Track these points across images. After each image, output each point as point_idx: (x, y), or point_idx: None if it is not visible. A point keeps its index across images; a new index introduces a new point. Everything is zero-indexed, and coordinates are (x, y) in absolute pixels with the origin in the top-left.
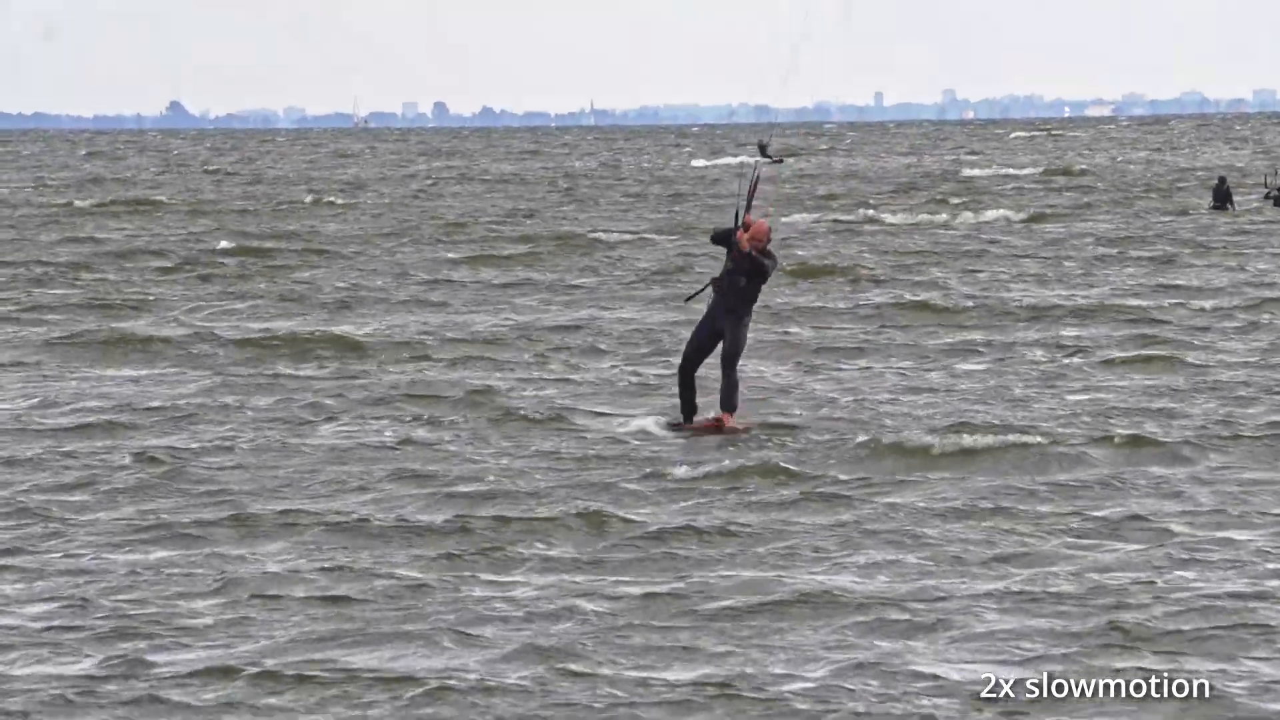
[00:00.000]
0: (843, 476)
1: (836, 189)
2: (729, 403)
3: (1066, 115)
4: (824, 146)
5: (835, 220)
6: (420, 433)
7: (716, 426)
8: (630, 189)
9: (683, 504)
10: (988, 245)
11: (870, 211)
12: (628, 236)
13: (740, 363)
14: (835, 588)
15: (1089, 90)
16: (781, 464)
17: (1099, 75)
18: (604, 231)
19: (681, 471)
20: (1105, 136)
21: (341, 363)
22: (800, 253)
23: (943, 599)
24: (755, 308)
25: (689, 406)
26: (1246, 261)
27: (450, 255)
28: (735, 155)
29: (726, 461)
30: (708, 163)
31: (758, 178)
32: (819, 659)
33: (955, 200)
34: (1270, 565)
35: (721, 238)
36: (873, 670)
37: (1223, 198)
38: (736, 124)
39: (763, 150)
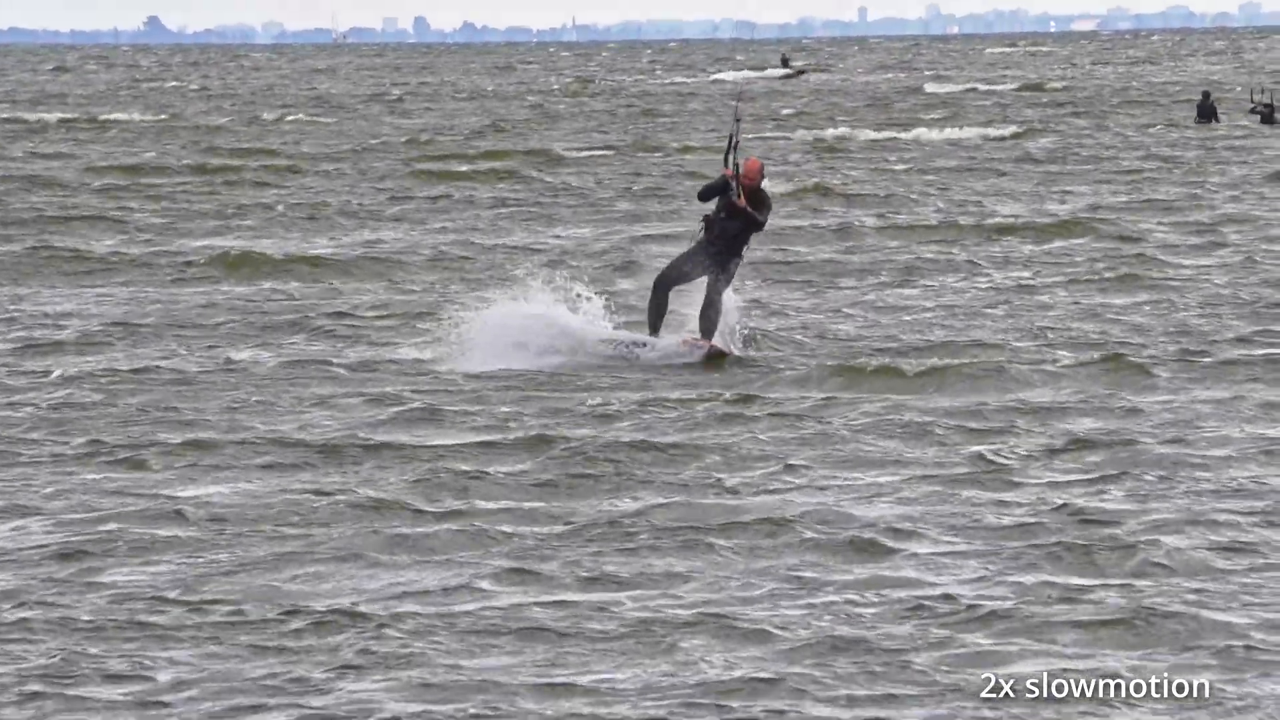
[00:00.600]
0: (803, 396)
1: (810, 105)
2: (708, 328)
3: (1052, 29)
4: (800, 62)
5: (810, 137)
6: (377, 353)
7: (701, 346)
8: (597, 106)
9: (633, 423)
10: (960, 162)
11: (838, 131)
12: (595, 153)
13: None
14: (792, 507)
15: (1075, 5)
16: (741, 386)
17: None
18: (575, 149)
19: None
20: (1083, 51)
21: (304, 280)
22: (773, 169)
23: (905, 520)
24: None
25: (656, 320)
26: (1227, 177)
27: (415, 170)
28: (736, 70)
29: (681, 380)
30: (734, 75)
31: (739, 121)
32: (771, 579)
33: (927, 116)
34: (1240, 483)
35: (712, 191)
36: (830, 588)
37: (1208, 113)
38: (719, 39)
39: (785, 62)
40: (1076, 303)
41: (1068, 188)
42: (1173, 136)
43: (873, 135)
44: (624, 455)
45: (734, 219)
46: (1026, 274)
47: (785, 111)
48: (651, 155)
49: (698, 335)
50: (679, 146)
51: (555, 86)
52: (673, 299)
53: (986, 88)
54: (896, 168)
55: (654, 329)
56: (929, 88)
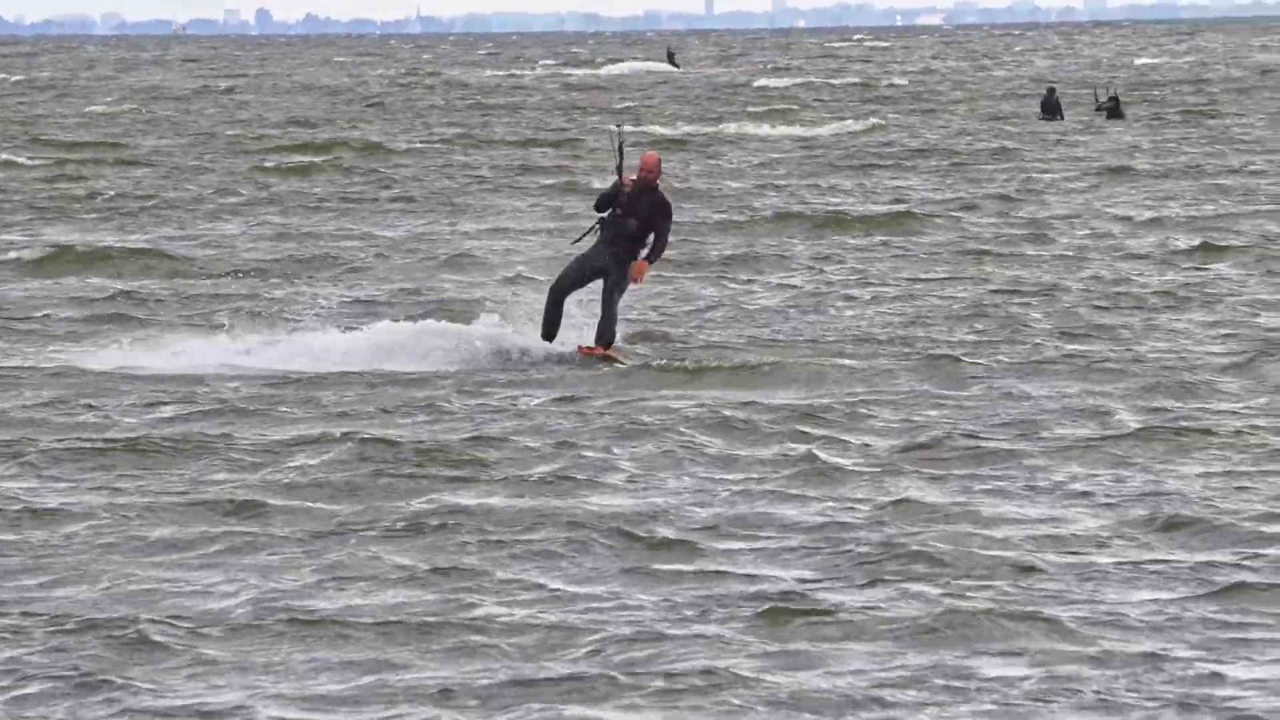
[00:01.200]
0: (632, 395)
1: (648, 99)
2: (606, 336)
3: (898, 24)
4: (639, 56)
5: (649, 133)
6: (195, 343)
7: (596, 355)
8: (431, 100)
9: (459, 421)
10: (794, 156)
11: (675, 129)
12: (425, 146)
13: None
14: (615, 506)
15: None
16: (571, 385)
17: None
18: (406, 142)
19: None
20: (922, 45)
21: (127, 273)
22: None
23: (732, 520)
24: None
25: (551, 329)
26: (1060, 174)
27: (243, 163)
28: (617, 61)
29: (512, 379)
30: (626, 68)
31: (621, 141)
32: (590, 580)
33: (753, 110)
34: (1066, 480)
35: (607, 200)
36: (649, 586)
37: (1052, 109)
38: (564, 32)
39: (670, 57)
40: (909, 298)
41: (905, 182)
42: (1011, 130)
43: (707, 130)
44: (441, 453)
45: (630, 218)
46: (859, 269)
47: (623, 104)
48: (483, 149)
49: (592, 346)
50: (515, 140)
51: (386, 78)
52: (572, 307)
53: (822, 81)
54: (729, 164)
55: (549, 337)
56: (762, 82)
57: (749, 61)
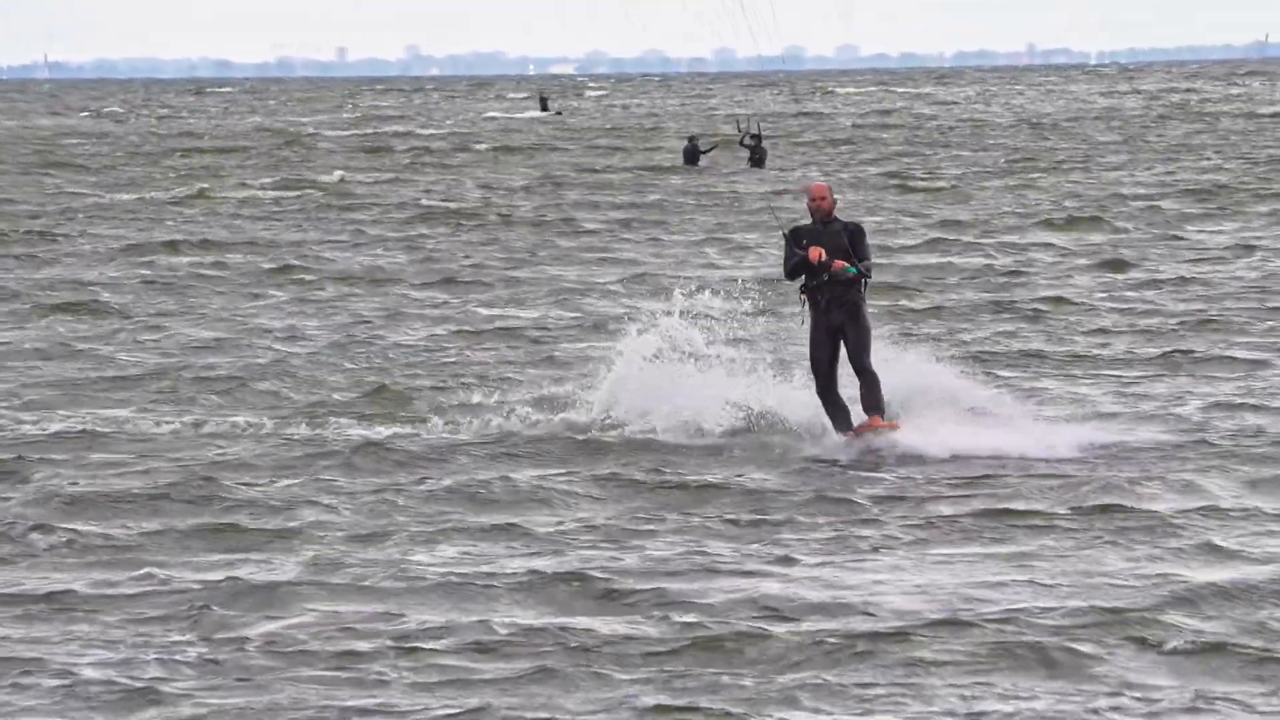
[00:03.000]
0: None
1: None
2: (876, 403)
3: (531, 73)
4: (557, 104)
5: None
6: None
7: (877, 428)
8: None
9: None
10: (413, 212)
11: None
12: None
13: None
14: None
15: (553, 48)
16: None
17: (564, 35)
18: None
19: None
20: (560, 94)
21: None
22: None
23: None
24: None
25: (841, 419)
26: (686, 233)
27: None
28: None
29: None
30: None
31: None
32: None
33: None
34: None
35: (798, 270)
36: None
37: (692, 157)
38: (198, 77)
39: (543, 104)
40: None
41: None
42: (646, 182)
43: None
44: None
45: (835, 274)
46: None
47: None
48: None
49: (864, 421)
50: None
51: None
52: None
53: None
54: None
55: (844, 427)
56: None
57: (379, 115)
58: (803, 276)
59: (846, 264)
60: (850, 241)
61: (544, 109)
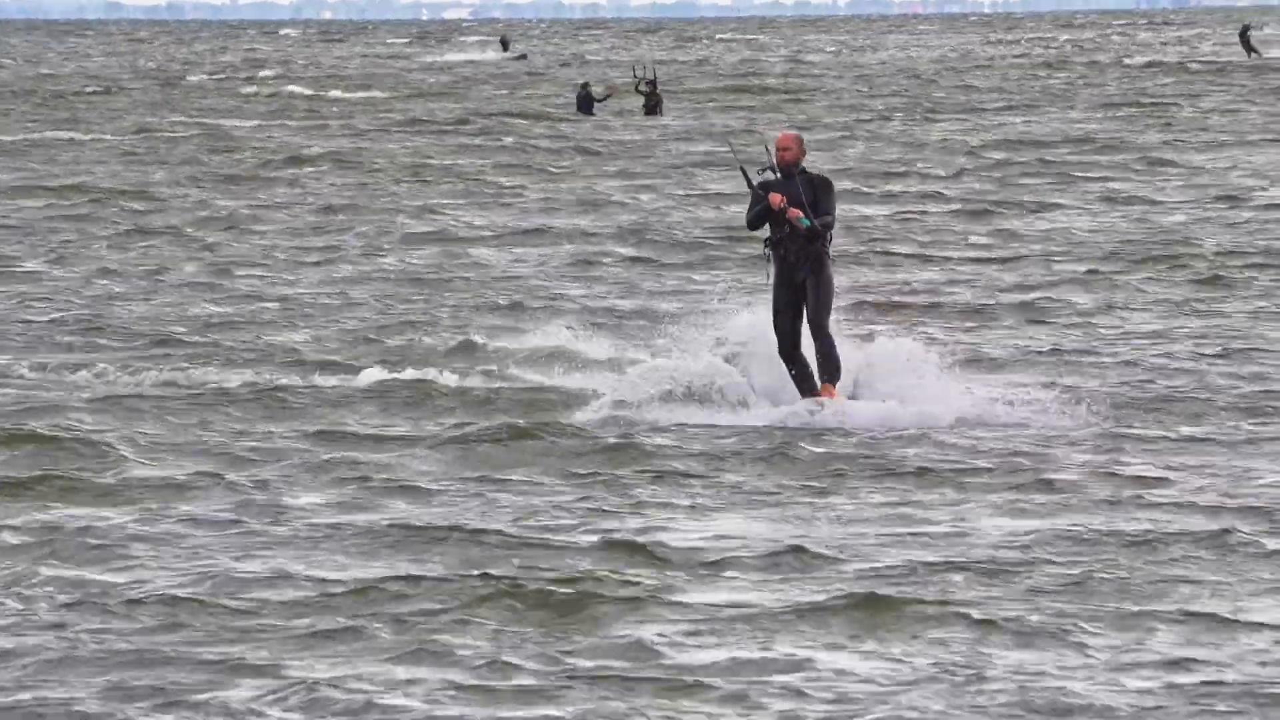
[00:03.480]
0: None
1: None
2: (831, 371)
3: (424, 18)
4: (520, 47)
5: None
6: None
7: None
8: None
9: None
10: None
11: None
12: None
13: None
14: None
15: None
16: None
17: None
18: None
19: None
20: (416, 43)
21: None
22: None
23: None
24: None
25: (807, 383)
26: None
27: None
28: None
29: None
30: (460, 57)
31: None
32: None
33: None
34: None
35: (760, 218)
36: None
37: (585, 104)
38: (86, 19)
39: (505, 45)
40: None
41: (431, 202)
42: (538, 132)
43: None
44: None
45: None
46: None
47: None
48: None
49: (819, 389)
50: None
51: None
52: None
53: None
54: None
55: (806, 391)
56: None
57: (254, 62)
58: (767, 227)
59: (802, 215)
60: (815, 195)
61: (505, 49)
